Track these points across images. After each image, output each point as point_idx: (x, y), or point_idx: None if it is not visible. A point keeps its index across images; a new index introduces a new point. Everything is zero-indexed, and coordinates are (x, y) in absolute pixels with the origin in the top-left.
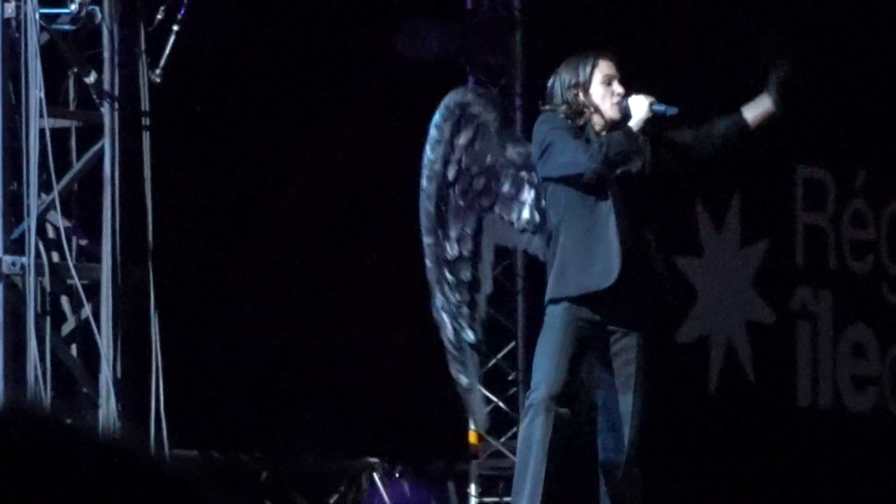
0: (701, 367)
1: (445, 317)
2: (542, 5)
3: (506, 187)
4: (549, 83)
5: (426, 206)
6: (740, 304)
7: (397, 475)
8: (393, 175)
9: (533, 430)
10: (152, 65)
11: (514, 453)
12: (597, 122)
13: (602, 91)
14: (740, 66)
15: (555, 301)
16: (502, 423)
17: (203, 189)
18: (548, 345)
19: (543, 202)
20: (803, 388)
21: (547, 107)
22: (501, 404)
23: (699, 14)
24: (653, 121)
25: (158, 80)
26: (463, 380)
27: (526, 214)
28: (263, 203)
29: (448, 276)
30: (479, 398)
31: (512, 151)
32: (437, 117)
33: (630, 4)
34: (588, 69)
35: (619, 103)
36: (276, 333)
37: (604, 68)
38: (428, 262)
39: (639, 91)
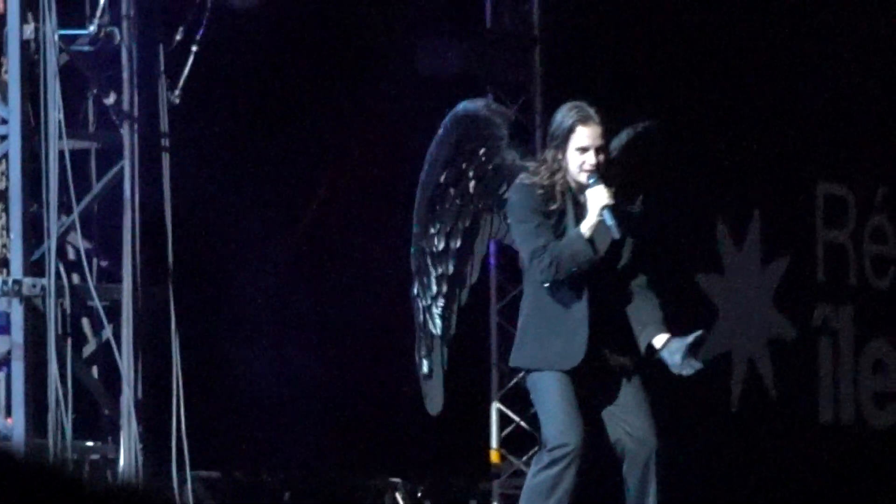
0: (723, 384)
1: (419, 304)
2: (561, 23)
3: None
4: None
5: (419, 197)
6: (761, 321)
7: (419, 495)
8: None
9: (561, 480)
10: (171, 86)
11: None
12: (571, 183)
13: (575, 157)
14: None
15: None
16: (524, 441)
17: (223, 209)
18: (546, 402)
19: None
20: (825, 404)
21: (531, 165)
22: (523, 423)
23: (716, 31)
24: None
25: (178, 100)
26: (424, 365)
27: None
28: (283, 223)
29: (430, 267)
30: (438, 386)
31: (518, 161)
32: (447, 118)
33: (649, 22)
34: (565, 131)
35: (586, 178)
36: (298, 353)
37: (579, 138)
38: (412, 250)
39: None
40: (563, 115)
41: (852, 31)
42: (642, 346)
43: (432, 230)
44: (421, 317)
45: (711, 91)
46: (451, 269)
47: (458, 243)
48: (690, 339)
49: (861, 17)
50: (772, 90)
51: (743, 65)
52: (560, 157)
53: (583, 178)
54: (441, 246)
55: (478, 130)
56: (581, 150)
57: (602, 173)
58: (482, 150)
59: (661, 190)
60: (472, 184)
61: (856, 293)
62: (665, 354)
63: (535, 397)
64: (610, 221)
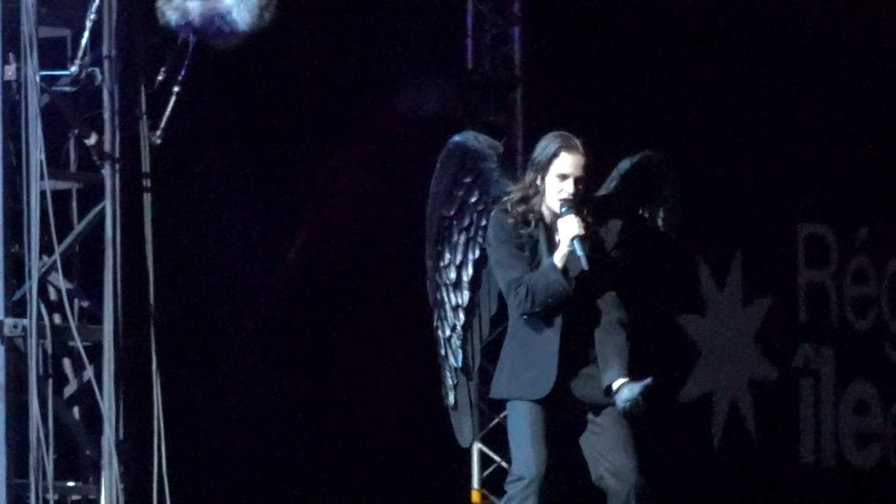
0: (704, 424)
1: (439, 335)
2: (543, 64)
3: None
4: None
5: (427, 232)
6: (743, 362)
7: None
8: (396, 229)
9: None
10: (153, 126)
11: None
12: (545, 210)
13: (554, 184)
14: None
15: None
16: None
17: (205, 250)
18: (514, 431)
19: None
20: (806, 444)
21: (506, 197)
22: (504, 463)
23: (697, 74)
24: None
25: (159, 141)
26: (450, 397)
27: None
28: (265, 262)
29: (445, 299)
30: (466, 418)
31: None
32: (442, 153)
33: (630, 64)
34: (548, 156)
35: (560, 206)
36: (278, 394)
37: (562, 164)
38: (429, 284)
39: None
40: (549, 140)
41: (832, 70)
42: (603, 386)
43: (442, 263)
44: (442, 349)
45: (694, 132)
46: (465, 300)
47: (470, 274)
48: (639, 387)
49: (840, 55)
50: (753, 131)
51: (724, 106)
52: (539, 182)
53: (556, 206)
54: (454, 277)
55: (472, 163)
56: (561, 176)
57: (576, 204)
58: (478, 182)
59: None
60: (475, 215)
61: (837, 334)
62: (617, 398)
63: (508, 427)
64: (579, 252)
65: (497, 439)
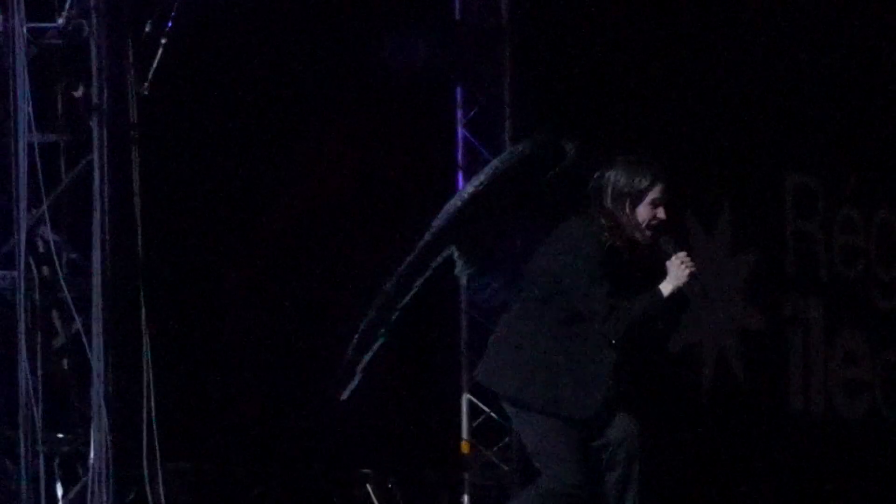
0: (693, 374)
1: (375, 309)
2: (530, 14)
3: None
4: (600, 175)
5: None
6: (732, 312)
7: (390, 486)
8: (381, 184)
9: None
10: (140, 78)
11: (506, 463)
12: (637, 235)
13: (647, 212)
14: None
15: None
16: (494, 432)
17: (193, 201)
18: (550, 446)
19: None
20: (795, 393)
21: (597, 221)
22: (493, 414)
23: (686, 24)
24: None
25: (146, 92)
26: (351, 353)
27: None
28: (254, 213)
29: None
30: (356, 374)
31: None
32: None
33: (618, 14)
34: (645, 184)
35: (653, 232)
36: (267, 344)
37: (658, 192)
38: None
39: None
40: (636, 167)
41: (820, 22)
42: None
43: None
44: (373, 318)
45: (681, 83)
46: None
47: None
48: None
49: (829, 8)
50: (740, 82)
51: (713, 57)
52: (628, 211)
53: (645, 237)
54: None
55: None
56: (655, 204)
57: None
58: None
59: None
60: None
61: (826, 283)
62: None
63: (532, 435)
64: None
65: (487, 390)
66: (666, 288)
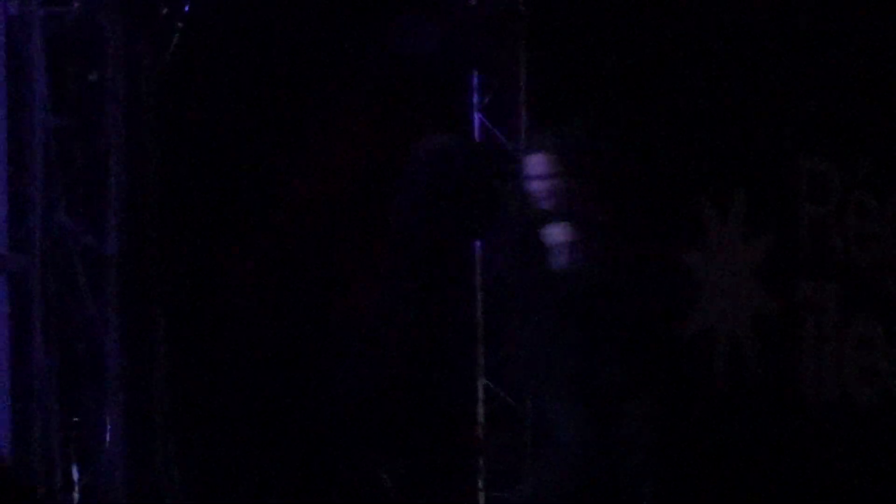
0: (706, 360)
1: None
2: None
3: None
4: None
5: None
6: (745, 298)
7: (403, 471)
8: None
9: None
10: (156, 61)
11: (521, 448)
12: None
13: None
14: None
15: None
16: (509, 416)
17: (209, 185)
18: None
19: None
20: (808, 379)
21: None
22: (509, 399)
23: (705, 5)
24: None
25: (163, 76)
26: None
27: None
28: (271, 198)
29: None
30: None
31: None
32: None
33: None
34: None
35: None
36: (285, 321)
37: None
38: None
39: None
40: None
41: (835, 6)
42: None
43: None
44: None
45: (697, 67)
46: None
47: None
48: None
49: None
50: (755, 66)
51: (728, 41)
52: None
53: None
54: None
55: None
56: None
57: None
58: None
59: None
60: None
61: (840, 269)
62: None
63: None
64: None
65: (503, 375)
66: None
